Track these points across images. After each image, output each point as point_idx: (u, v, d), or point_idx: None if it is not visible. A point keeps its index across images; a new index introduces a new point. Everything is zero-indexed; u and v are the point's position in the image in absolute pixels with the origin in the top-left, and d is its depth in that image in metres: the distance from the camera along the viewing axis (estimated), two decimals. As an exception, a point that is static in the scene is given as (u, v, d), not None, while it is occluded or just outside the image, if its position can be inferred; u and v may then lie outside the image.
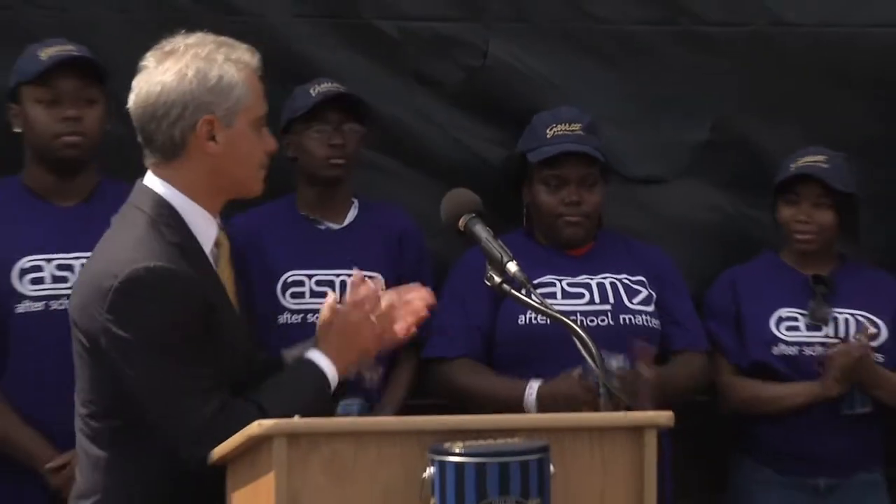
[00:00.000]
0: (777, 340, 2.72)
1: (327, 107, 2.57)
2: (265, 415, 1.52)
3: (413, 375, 2.64)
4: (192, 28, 1.71)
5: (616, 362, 2.32)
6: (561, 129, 2.60)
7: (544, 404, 2.39)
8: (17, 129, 2.47)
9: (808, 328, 2.72)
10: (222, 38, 1.69)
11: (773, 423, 2.70)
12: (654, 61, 2.98)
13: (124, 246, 1.61)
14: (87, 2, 2.82)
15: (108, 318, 1.55)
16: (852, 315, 2.72)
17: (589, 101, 2.85)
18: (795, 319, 2.74)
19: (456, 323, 2.58)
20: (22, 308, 2.39)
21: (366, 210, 2.71)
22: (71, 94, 2.43)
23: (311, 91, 2.58)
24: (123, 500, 1.63)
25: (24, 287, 2.41)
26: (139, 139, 1.66)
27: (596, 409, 1.84)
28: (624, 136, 2.92)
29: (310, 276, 2.57)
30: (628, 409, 1.85)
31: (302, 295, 2.56)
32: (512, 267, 1.70)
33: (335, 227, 2.68)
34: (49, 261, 2.40)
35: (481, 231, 1.78)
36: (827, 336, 2.69)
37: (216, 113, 1.59)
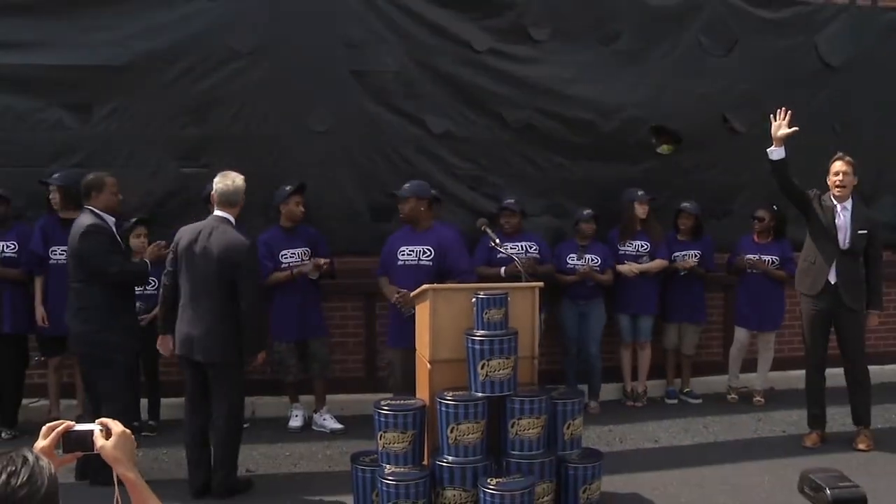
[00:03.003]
0: (568, 263, 6.65)
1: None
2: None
3: None
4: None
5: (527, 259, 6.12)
6: (511, 200, 6.48)
7: (506, 274, 6.05)
8: (402, 216, 5.89)
9: (577, 260, 6.65)
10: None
11: (571, 285, 6.61)
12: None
13: (238, 235, 4.93)
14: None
15: (245, 260, 4.92)
16: (591, 258, 6.70)
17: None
18: (574, 258, 6.66)
19: (479, 257, 6.27)
20: (399, 263, 5.81)
21: (440, 225, 6.10)
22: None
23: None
24: (229, 318, 4.91)
25: (400, 257, 5.82)
26: (220, 201, 5.00)
27: (521, 279, 5.22)
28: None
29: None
30: (528, 279, 5.22)
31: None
32: (497, 239, 5.36)
33: None
34: (411, 250, 5.79)
35: (488, 229, 5.40)
36: (583, 263, 6.62)
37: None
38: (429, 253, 5.78)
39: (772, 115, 5.69)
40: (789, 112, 5.62)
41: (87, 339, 5.09)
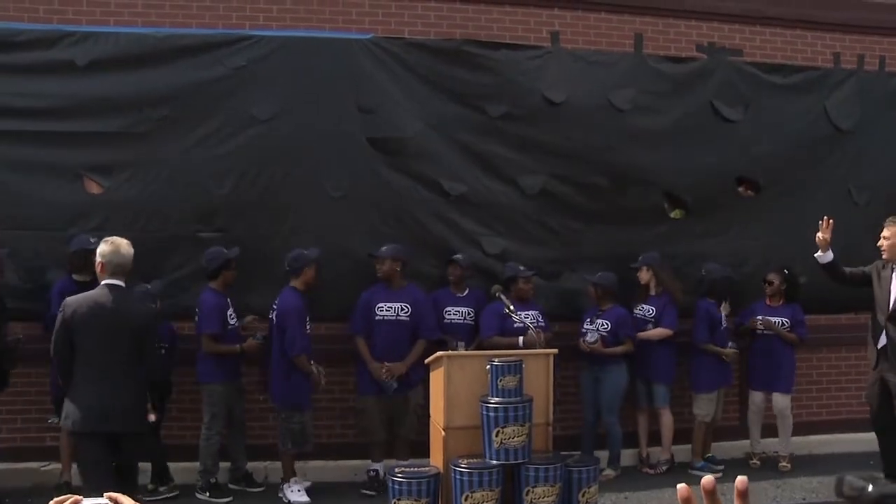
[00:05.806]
0: (582, 328, 6.59)
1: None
2: None
3: (478, 345, 6.27)
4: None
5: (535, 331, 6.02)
6: (522, 267, 6.44)
7: (525, 344, 5.95)
8: (380, 274, 6.32)
9: (590, 325, 6.57)
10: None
11: (581, 352, 6.50)
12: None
13: (142, 300, 5.20)
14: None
15: (152, 323, 5.01)
16: (602, 322, 6.59)
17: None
18: (588, 323, 6.60)
19: (492, 325, 6.24)
20: (378, 318, 6.07)
21: (472, 290, 6.61)
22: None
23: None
24: (140, 383, 4.78)
25: (379, 313, 6.09)
26: (114, 271, 4.67)
27: (536, 347, 5.36)
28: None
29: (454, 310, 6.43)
30: (542, 346, 5.37)
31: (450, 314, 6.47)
32: (511, 306, 5.38)
33: (460, 295, 6.60)
34: (389, 307, 6.06)
35: (502, 296, 5.47)
36: (595, 330, 6.54)
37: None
38: (407, 309, 6.25)
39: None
40: (831, 220, 5.83)
41: None
